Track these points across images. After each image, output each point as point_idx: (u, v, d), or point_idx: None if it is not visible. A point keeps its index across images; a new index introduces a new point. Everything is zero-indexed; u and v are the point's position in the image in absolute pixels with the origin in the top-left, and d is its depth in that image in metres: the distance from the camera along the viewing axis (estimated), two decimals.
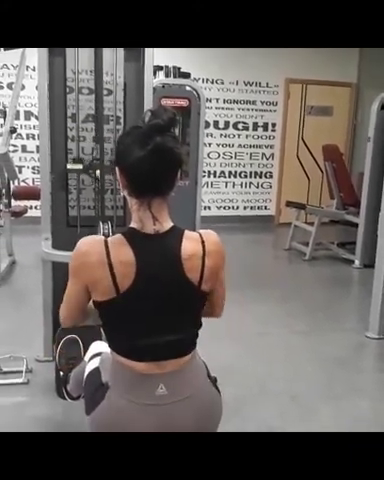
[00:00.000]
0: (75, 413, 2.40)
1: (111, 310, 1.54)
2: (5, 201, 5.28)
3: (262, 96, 8.01)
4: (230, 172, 8.15)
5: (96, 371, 1.72)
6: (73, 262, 1.55)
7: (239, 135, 8.07)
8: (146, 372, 1.54)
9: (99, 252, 1.49)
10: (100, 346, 1.96)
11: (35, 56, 2.92)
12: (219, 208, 8.19)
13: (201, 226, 4.96)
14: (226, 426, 1.73)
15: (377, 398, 3.16)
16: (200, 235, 1.59)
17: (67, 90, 3.12)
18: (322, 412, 2.94)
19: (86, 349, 2.11)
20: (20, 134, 7.04)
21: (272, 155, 8.29)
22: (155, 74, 5.11)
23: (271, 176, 8.36)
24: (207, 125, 7.38)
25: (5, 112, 5.12)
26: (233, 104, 7.92)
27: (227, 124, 7.98)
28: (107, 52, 3.06)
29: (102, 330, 1.69)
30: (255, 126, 8.11)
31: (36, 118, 6.72)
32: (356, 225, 6.05)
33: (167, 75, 5.85)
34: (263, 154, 8.25)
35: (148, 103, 3.01)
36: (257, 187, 8.34)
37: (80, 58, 3.06)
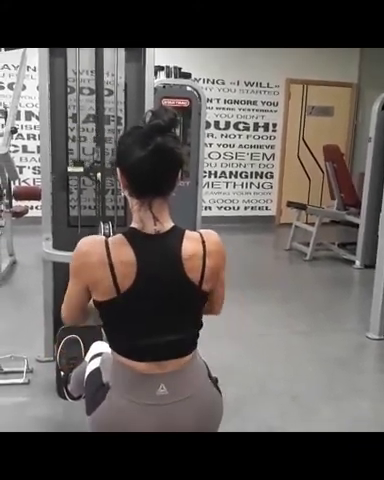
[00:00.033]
0: (76, 413, 2.40)
1: (112, 310, 1.55)
2: (6, 201, 5.28)
3: (263, 96, 8.02)
4: (231, 172, 8.15)
5: (97, 371, 1.73)
6: (73, 262, 1.55)
7: (240, 135, 8.07)
8: (147, 372, 1.54)
9: (100, 252, 1.49)
10: (101, 346, 1.96)
11: (36, 56, 2.92)
12: (220, 208, 8.20)
13: (202, 226, 4.95)
14: (226, 426, 1.73)
15: (378, 398, 3.16)
16: (201, 235, 1.59)
17: (68, 90, 3.12)
18: (322, 412, 2.94)
19: (87, 349, 2.12)
20: (21, 134, 7.05)
21: (273, 155, 8.29)
22: (156, 74, 5.11)
23: (272, 176, 8.36)
24: (208, 125, 7.38)
25: (6, 112, 5.13)
26: (234, 104, 7.92)
27: (228, 124, 7.99)
28: (108, 52, 3.06)
29: (103, 330, 1.69)
30: (256, 126, 8.12)
31: (37, 118, 6.73)
32: (357, 225, 6.05)
33: (168, 75, 5.86)
34: (264, 154, 8.25)
35: (149, 103, 3.01)
36: (258, 187, 8.34)
37: (81, 58, 3.06)
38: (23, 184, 7.06)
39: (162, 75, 5.80)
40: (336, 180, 6.49)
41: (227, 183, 8.18)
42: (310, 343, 3.89)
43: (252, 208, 8.37)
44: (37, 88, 3.11)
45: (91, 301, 1.60)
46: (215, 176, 8.08)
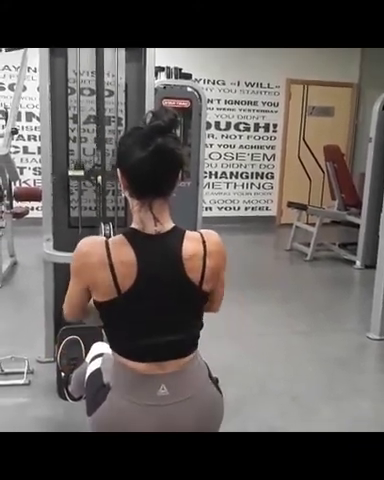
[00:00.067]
0: (76, 414, 2.40)
1: (112, 310, 1.55)
2: (6, 202, 5.28)
3: (263, 97, 8.02)
4: (231, 173, 8.16)
5: (97, 372, 1.73)
6: (74, 263, 1.56)
7: (240, 136, 8.07)
8: (147, 372, 1.54)
9: (100, 253, 1.49)
10: (101, 347, 1.97)
11: (36, 57, 2.93)
12: (220, 209, 8.20)
13: (202, 227, 4.96)
14: (226, 426, 1.73)
15: (378, 399, 3.16)
16: (201, 235, 1.59)
17: (68, 91, 3.12)
18: (323, 412, 2.94)
19: (87, 350, 2.12)
20: (21, 135, 7.05)
21: (273, 156, 8.29)
22: (156, 75, 5.11)
23: (272, 177, 8.36)
24: (208, 126, 7.38)
25: (7, 113, 5.13)
26: (234, 105, 7.93)
27: (228, 125, 7.99)
28: (108, 53, 3.06)
29: (103, 331, 1.69)
30: (256, 127, 8.12)
31: (37, 119, 6.74)
32: (357, 226, 6.05)
33: (168, 76, 5.86)
34: (264, 155, 8.25)
35: (149, 104, 3.01)
36: (258, 188, 8.34)
37: (81, 59, 3.06)
38: (24, 185, 7.05)
39: (163, 76, 5.81)
40: (337, 180, 6.49)
41: (228, 183, 8.18)
42: (310, 343, 3.89)
43: (253, 208, 8.37)
44: (38, 89, 3.12)
45: (91, 300, 1.60)
46: (216, 176, 8.08)
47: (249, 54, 7.23)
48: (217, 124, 7.92)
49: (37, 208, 6.20)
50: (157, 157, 1.44)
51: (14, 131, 4.62)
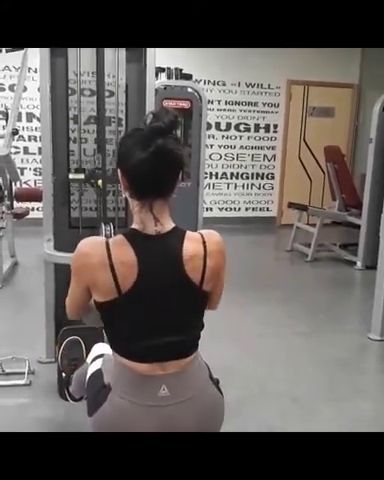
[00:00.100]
0: (77, 414, 2.40)
1: (113, 311, 1.55)
2: (7, 203, 5.28)
3: (264, 97, 8.02)
4: (232, 173, 8.16)
5: (98, 373, 1.72)
6: (74, 263, 1.56)
7: (241, 136, 8.08)
8: (148, 373, 1.54)
9: (100, 253, 1.49)
10: (102, 348, 1.97)
11: (37, 58, 2.93)
12: (221, 209, 8.20)
13: (203, 227, 4.96)
14: (227, 426, 1.73)
15: (379, 399, 3.16)
16: (201, 236, 1.59)
17: (69, 92, 3.13)
18: (323, 413, 2.94)
19: (88, 351, 2.12)
20: (22, 136, 7.06)
21: (274, 156, 8.29)
22: (157, 76, 5.11)
23: (273, 177, 8.36)
24: (209, 126, 7.38)
25: (7, 114, 5.13)
26: (235, 105, 7.93)
27: (229, 125, 7.99)
28: (109, 54, 3.07)
29: (104, 332, 1.69)
30: (257, 127, 8.12)
31: (38, 120, 6.74)
32: (358, 226, 6.05)
33: (169, 77, 5.86)
34: (265, 155, 8.25)
35: (150, 105, 3.01)
36: (259, 188, 8.34)
37: (82, 60, 3.07)
38: (24, 186, 7.06)
39: (163, 76, 5.81)
40: (337, 181, 6.49)
41: (228, 184, 8.18)
42: (311, 344, 3.89)
43: (253, 209, 8.37)
44: (38, 90, 3.12)
45: (92, 300, 1.60)
46: (216, 177, 8.09)
47: (249, 54, 7.23)
48: (217, 125, 7.93)
49: (38, 209, 6.20)
50: (157, 158, 1.44)
51: (15, 132, 4.62)
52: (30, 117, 7.17)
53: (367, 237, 5.81)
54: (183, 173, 1.55)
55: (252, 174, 8.26)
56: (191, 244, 1.55)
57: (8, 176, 5.10)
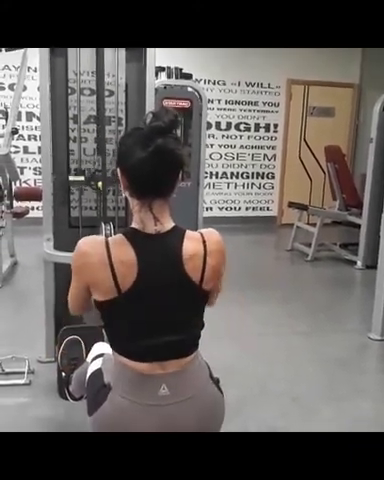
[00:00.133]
0: (77, 414, 2.40)
1: (112, 310, 1.55)
2: (7, 202, 5.28)
3: (264, 97, 8.02)
4: (232, 173, 8.16)
5: (98, 372, 1.72)
6: (74, 263, 1.56)
7: (241, 136, 8.08)
8: (148, 372, 1.54)
9: (100, 253, 1.49)
10: (102, 347, 1.97)
11: (37, 57, 2.93)
12: (221, 209, 8.20)
13: (203, 227, 4.96)
14: (228, 426, 1.73)
15: (379, 399, 3.16)
16: (201, 235, 1.59)
17: (69, 91, 3.13)
18: (323, 413, 2.94)
19: (88, 350, 2.12)
20: (22, 135, 7.06)
21: (274, 156, 8.29)
22: (157, 75, 5.12)
23: (273, 177, 8.36)
24: (209, 126, 7.39)
25: (7, 113, 5.13)
26: (235, 105, 7.93)
27: (229, 125, 7.99)
28: (109, 53, 3.06)
29: (104, 331, 1.69)
30: (257, 127, 8.12)
31: (38, 119, 6.75)
32: (358, 226, 6.05)
33: (169, 76, 5.87)
34: (265, 155, 8.25)
35: (150, 104, 3.01)
36: (259, 188, 8.34)
37: (82, 59, 3.06)
38: (24, 185, 7.04)
39: (163, 76, 5.82)
40: (338, 181, 6.49)
41: (228, 184, 8.18)
42: (311, 344, 3.89)
43: (253, 209, 8.37)
44: (38, 89, 3.12)
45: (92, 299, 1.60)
46: (216, 177, 8.09)
47: (249, 54, 7.23)
48: (218, 124, 7.93)
49: (37, 208, 6.21)
50: (157, 158, 1.44)
51: (14, 131, 4.62)
52: (30, 116, 7.17)
53: (367, 237, 5.81)
54: (183, 173, 1.55)
55: (252, 174, 8.26)
56: (191, 243, 1.55)
57: (8, 175, 5.10)
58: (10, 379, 3.11)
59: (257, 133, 8.14)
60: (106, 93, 3.12)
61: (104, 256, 1.49)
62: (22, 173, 6.96)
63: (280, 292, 5.06)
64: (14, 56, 5.20)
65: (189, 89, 5.80)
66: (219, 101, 7.84)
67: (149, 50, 2.99)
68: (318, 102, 8.25)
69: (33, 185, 7.21)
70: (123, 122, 3.21)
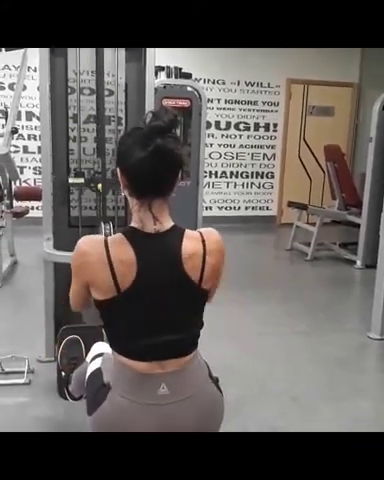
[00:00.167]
0: (77, 413, 2.40)
1: (112, 309, 1.55)
2: (7, 202, 5.28)
3: (263, 96, 8.02)
4: (231, 172, 8.16)
5: (98, 372, 1.72)
6: (73, 262, 1.57)
7: (240, 135, 8.07)
8: (147, 372, 1.54)
9: (99, 252, 1.49)
10: (102, 347, 1.97)
11: (36, 57, 2.93)
12: (220, 208, 8.20)
13: (202, 226, 4.97)
14: (227, 426, 1.73)
15: (379, 399, 3.16)
16: (201, 234, 1.59)
17: (68, 91, 3.13)
18: (323, 413, 2.94)
19: (88, 350, 2.12)
20: (21, 135, 7.06)
21: (274, 155, 8.29)
22: (156, 75, 5.12)
23: (273, 176, 8.36)
24: (208, 125, 7.39)
25: (7, 113, 5.13)
26: (234, 104, 7.93)
27: (228, 124, 7.99)
28: (108, 52, 3.06)
29: (103, 330, 1.69)
30: (256, 126, 8.12)
31: (37, 119, 6.75)
32: (358, 225, 6.05)
33: (168, 76, 5.87)
34: (264, 154, 8.25)
35: (149, 104, 3.01)
36: (258, 187, 8.34)
37: (81, 59, 3.06)
38: (24, 184, 7.04)
39: (163, 75, 5.82)
40: (337, 180, 6.49)
41: (228, 183, 8.18)
42: (310, 343, 3.89)
43: (253, 208, 8.37)
44: (38, 88, 3.12)
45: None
46: (216, 176, 8.08)
47: (249, 54, 7.23)
48: (217, 124, 7.93)
49: (37, 207, 6.21)
50: (157, 157, 1.44)
51: (14, 130, 4.62)
52: (30, 116, 7.17)
53: (367, 236, 5.81)
54: (183, 172, 1.55)
55: (252, 173, 8.26)
56: (190, 243, 1.55)
57: (7, 175, 5.10)
58: (10, 378, 3.11)
59: (256, 132, 8.14)
60: (106, 93, 3.12)
61: (103, 255, 1.49)
62: (22, 173, 6.96)
63: (279, 291, 5.07)
64: (14, 56, 5.20)
65: (189, 88, 5.80)
66: (219, 100, 7.84)
67: (149, 50, 2.99)
68: (318, 101, 8.25)
69: (33, 185, 7.21)
70: (123, 122, 3.21)
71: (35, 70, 6.28)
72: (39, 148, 4.48)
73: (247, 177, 8.25)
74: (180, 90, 5.83)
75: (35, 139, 7.16)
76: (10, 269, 5.30)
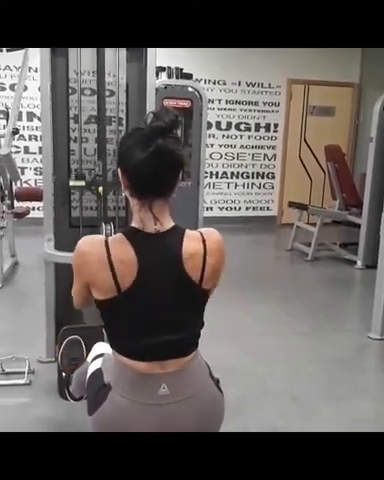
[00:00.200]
0: (77, 414, 2.40)
1: (112, 309, 1.55)
2: (8, 202, 5.28)
3: (264, 97, 8.02)
4: (232, 173, 8.16)
5: (98, 372, 1.73)
6: (74, 262, 1.57)
7: (241, 136, 8.07)
8: (148, 372, 1.55)
9: (99, 252, 1.50)
10: (103, 347, 1.97)
11: (37, 57, 2.93)
12: (221, 209, 8.20)
13: (203, 227, 4.96)
14: (228, 426, 1.73)
15: (379, 399, 3.16)
16: (201, 234, 1.59)
17: (69, 91, 3.13)
18: (323, 413, 2.94)
19: (89, 350, 2.12)
20: (22, 135, 7.06)
21: (274, 156, 8.29)
22: (157, 75, 5.11)
23: (273, 177, 8.36)
24: (209, 126, 7.38)
25: (8, 113, 5.13)
26: (235, 105, 7.93)
27: (229, 125, 7.99)
28: (109, 53, 3.06)
29: (104, 331, 1.69)
30: (257, 127, 8.12)
31: (38, 119, 6.73)
32: (358, 226, 6.05)
33: (169, 76, 5.87)
34: (265, 155, 8.25)
35: (150, 104, 3.01)
36: (259, 188, 8.34)
37: (82, 59, 3.06)
38: (25, 185, 7.06)
39: (163, 76, 5.82)
40: (338, 180, 6.49)
41: (228, 183, 8.18)
42: (311, 343, 3.89)
43: (253, 208, 8.37)
44: (39, 89, 3.12)
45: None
46: (216, 177, 8.08)
47: (250, 54, 7.22)
48: (218, 124, 7.92)
49: (38, 208, 6.21)
50: (157, 158, 1.45)
51: (15, 131, 4.62)
52: (31, 116, 7.17)
53: (367, 236, 5.81)
54: (183, 173, 1.55)
55: (252, 173, 8.26)
56: (191, 243, 1.55)
57: (8, 175, 5.10)
58: (10, 379, 3.11)
59: (257, 133, 8.14)
60: (107, 93, 3.12)
61: (103, 255, 1.49)
62: (23, 173, 6.96)
63: (280, 292, 5.07)
64: (15, 56, 5.20)
65: (189, 89, 5.80)
66: (219, 101, 7.84)
67: (150, 50, 2.99)
68: (318, 102, 8.25)
69: (34, 185, 7.20)
70: (124, 122, 3.21)
71: (36, 70, 6.27)
72: (40, 149, 4.49)
73: (248, 177, 8.25)
74: (181, 90, 5.83)
75: (36, 140, 7.16)
76: (11, 269, 5.30)
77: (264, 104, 8.05)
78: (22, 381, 3.07)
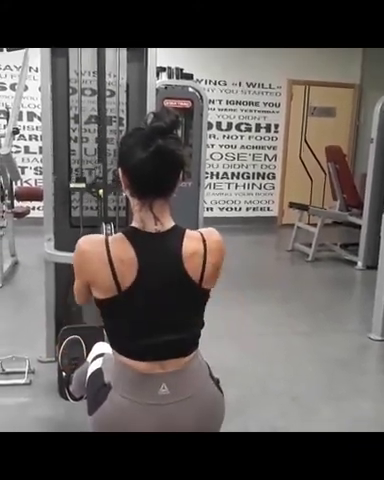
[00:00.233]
0: (77, 414, 2.40)
1: (112, 309, 1.55)
2: (8, 202, 5.29)
3: (265, 97, 8.02)
4: (233, 173, 8.15)
5: (99, 372, 1.73)
6: (74, 262, 1.58)
7: (242, 136, 8.07)
8: (148, 372, 1.55)
9: (100, 251, 1.50)
10: (103, 347, 1.97)
11: (38, 57, 2.93)
12: (222, 209, 8.20)
13: (204, 227, 4.96)
14: (228, 426, 1.73)
15: (379, 399, 3.16)
16: (201, 234, 1.60)
17: (70, 91, 3.13)
18: (323, 413, 2.94)
19: (89, 350, 2.12)
20: (23, 135, 7.06)
21: (275, 156, 8.29)
22: (158, 75, 5.11)
23: (274, 177, 8.36)
24: (210, 126, 7.38)
25: (8, 113, 5.14)
26: (236, 105, 7.93)
27: (230, 125, 7.99)
28: (110, 53, 3.06)
29: (104, 330, 1.70)
30: (258, 127, 8.12)
31: (39, 119, 6.74)
32: (359, 226, 6.05)
33: (170, 76, 5.87)
34: (266, 155, 8.25)
35: (151, 104, 3.01)
36: (260, 188, 8.34)
37: (83, 59, 3.06)
38: (25, 185, 7.05)
39: (164, 76, 5.82)
40: (338, 181, 6.49)
41: (229, 184, 8.18)
42: (311, 343, 3.89)
43: (254, 209, 8.37)
44: (39, 89, 3.12)
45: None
46: (217, 177, 8.08)
47: (250, 54, 7.23)
48: (218, 124, 7.92)
49: (38, 208, 6.21)
50: (158, 158, 1.45)
51: (15, 131, 4.62)
52: (31, 116, 7.17)
53: (368, 237, 5.81)
54: (184, 173, 1.55)
55: (253, 174, 8.26)
56: (191, 242, 1.55)
57: (9, 175, 5.11)
58: (10, 379, 3.11)
59: (258, 133, 8.14)
60: (107, 93, 3.12)
61: (104, 255, 1.49)
62: (23, 173, 6.96)
63: (280, 292, 5.07)
64: (15, 56, 5.20)
65: (190, 89, 5.80)
66: (220, 101, 7.84)
67: (150, 50, 2.99)
68: (319, 102, 8.25)
69: (34, 185, 7.20)
70: (124, 122, 3.21)
71: (36, 70, 6.27)
72: (40, 148, 4.49)
73: (248, 178, 8.24)
74: (181, 91, 5.83)
75: (36, 139, 7.16)
76: (11, 269, 5.30)
77: (265, 105, 8.05)
78: (22, 381, 3.07)
